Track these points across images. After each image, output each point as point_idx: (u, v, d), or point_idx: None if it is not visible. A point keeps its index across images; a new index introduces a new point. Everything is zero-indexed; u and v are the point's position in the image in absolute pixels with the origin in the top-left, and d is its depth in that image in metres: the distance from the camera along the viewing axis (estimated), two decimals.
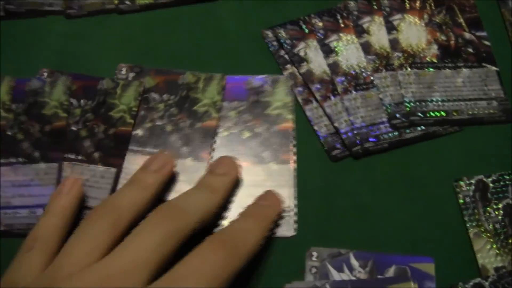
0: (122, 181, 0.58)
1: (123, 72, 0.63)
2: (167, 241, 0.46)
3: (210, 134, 0.60)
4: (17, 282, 0.47)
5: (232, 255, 0.47)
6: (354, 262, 0.55)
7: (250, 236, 0.49)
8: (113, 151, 0.59)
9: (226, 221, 0.56)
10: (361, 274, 0.55)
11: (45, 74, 0.64)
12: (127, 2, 0.66)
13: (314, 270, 0.55)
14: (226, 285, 0.46)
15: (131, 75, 0.63)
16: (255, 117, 0.61)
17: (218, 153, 0.59)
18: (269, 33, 0.64)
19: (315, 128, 0.59)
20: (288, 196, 0.57)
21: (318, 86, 0.61)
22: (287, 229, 0.56)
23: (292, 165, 0.59)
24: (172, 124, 0.60)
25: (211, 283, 0.45)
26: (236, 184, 0.56)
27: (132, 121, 0.60)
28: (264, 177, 0.58)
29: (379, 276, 0.55)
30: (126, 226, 0.49)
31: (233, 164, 0.55)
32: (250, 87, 0.62)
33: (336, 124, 0.59)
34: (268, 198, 0.55)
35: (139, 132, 0.60)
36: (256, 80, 0.63)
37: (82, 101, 0.62)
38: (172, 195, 0.57)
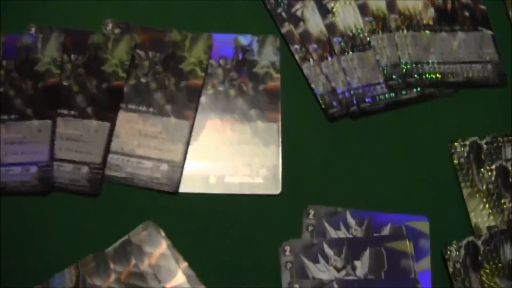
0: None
1: (109, 28, 0.62)
2: None
3: (195, 93, 0.59)
4: None
5: None
6: (351, 220, 0.56)
7: None
8: (106, 105, 0.58)
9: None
10: (358, 232, 0.55)
11: (33, 30, 0.62)
12: None
13: (311, 228, 0.55)
14: None
15: (117, 31, 0.62)
16: (242, 75, 0.60)
17: (204, 111, 0.59)
18: None
19: (313, 86, 0.59)
20: (274, 154, 0.57)
21: (315, 46, 0.61)
22: (274, 187, 0.56)
23: (279, 124, 0.58)
24: (157, 82, 0.60)
25: None
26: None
27: (124, 75, 0.60)
28: (251, 134, 0.58)
29: (375, 234, 0.55)
30: None
31: None
32: (237, 45, 0.62)
33: (333, 84, 0.59)
34: None
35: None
36: (244, 38, 0.62)
37: (72, 56, 0.61)
38: (155, 153, 0.57)
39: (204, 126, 0.58)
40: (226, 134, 0.58)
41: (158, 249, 0.54)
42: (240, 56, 0.61)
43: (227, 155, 0.57)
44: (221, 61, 0.61)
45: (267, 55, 0.61)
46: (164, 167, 0.56)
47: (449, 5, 0.64)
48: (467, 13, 0.64)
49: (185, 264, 0.53)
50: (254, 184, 0.56)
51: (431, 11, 0.63)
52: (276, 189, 0.56)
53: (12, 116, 0.58)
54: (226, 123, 0.58)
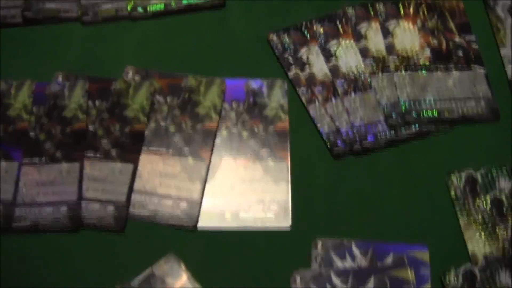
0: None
1: (129, 75, 0.68)
2: None
3: (211, 135, 0.64)
4: None
5: None
6: (356, 251, 0.60)
7: None
8: (129, 148, 0.63)
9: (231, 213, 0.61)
10: (362, 262, 0.60)
11: (60, 78, 0.68)
12: (140, 9, 0.71)
13: (319, 258, 0.60)
14: None
15: (137, 77, 0.67)
16: (253, 117, 0.65)
17: (219, 151, 0.64)
18: (274, 38, 0.68)
19: (318, 126, 0.64)
20: (284, 191, 0.62)
21: (320, 88, 0.66)
22: (284, 222, 0.61)
23: (288, 162, 0.63)
24: (175, 125, 0.65)
25: None
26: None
27: (145, 119, 0.65)
28: (262, 172, 0.63)
29: (379, 263, 0.60)
30: None
31: None
32: (248, 89, 0.67)
33: (337, 124, 0.64)
34: None
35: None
36: (254, 82, 0.67)
37: (97, 101, 0.66)
38: (175, 191, 0.61)
39: (220, 165, 0.63)
40: (239, 173, 0.62)
41: (179, 280, 0.58)
42: (251, 99, 0.66)
43: (241, 192, 0.62)
44: (234, 104, 0.66)
45: (276, 98, 0.66)
46: (183, 205, 0.61)
47: (444, 46, 0.68)
48: (461, 53, 0.68)
49: None
50: (266, 219, 0.61)
51: (427, 52, 0.68)
52: (286, 223, 0.61)
53: (43, 159, 0.63)
54: (240, 162, 0.63)
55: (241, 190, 0.62)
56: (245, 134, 0.64)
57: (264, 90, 0.66)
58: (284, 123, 0.65)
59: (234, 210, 0.61)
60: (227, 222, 0.61)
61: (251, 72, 0.68)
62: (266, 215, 0.61)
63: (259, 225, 0.61)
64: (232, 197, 0.62)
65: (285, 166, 0.63)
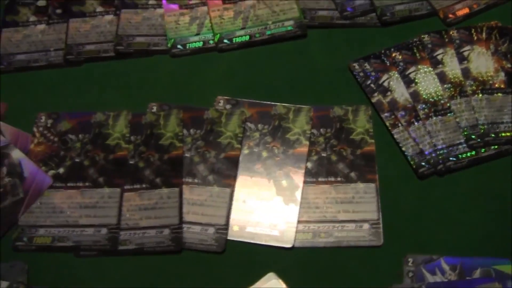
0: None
1: (221, 104, 0.72)
2: None
3: (302, 159, 0.68)
4: None
5: None
6: (445, 266, 0.63)
7: None
8: (226, 173, 0.67)
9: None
10: (452, 276, 0.63)
11: (154, 108, 0.72)
12: (226, 41, 0.75)
13: (410, 274, 0.63)
14: None
15: (228, 106, 0.72)
16: (341, 142, 0.69)
17: (310, 174, 0.68)
18: (356, 66, 0.72)
19: (403, 148, 0.68)
20: (374, 211, 0.65)
21: (403, 113, 0.70)
22: (376, 240, 0.64)
23: (376, 184, 0.67)
24: (267, 151, 0.69)
25: None
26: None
27: (239, 146, 0.69)
28: (352, 194, 0.66)
29: (467, 278, 0.63)
30: None
31: None
32: (334, 116, 0.71)
33: (421, 146, 0.68)
34: None
35: None
36: (339, 109, 0.71)
37: (191, 130, 0.70)
38: (271, 213, 0.65)
39: (312, 189, 0.67)
40: (331, 194, 0.66)
41: None
42: (338, 125, 0.70)
43: (333, 212, 0.65)
44: (322, 130, 0.69)
45: (361, 123, 0.70)
46: (281, 225, 0.65)
47: None
48: None
49: None
50: (359, 237, 0.64)
51: (502, 75, 0.72)
52: (378, 241, 0.64)
53: (144, 186, 0.67)
54: (331, 185, 0.66)
55: (333, 211, 0.65)
56: (334, 158, 0.68)
57: (350, 116, 0.70)
58: (370, 147, 0.68)
59: (327, 230, 0.64)
60: (322, 240, 0.64)
61: (335, 100, 0.72)
62: (358, 234, 0.64)
63: (352, 244, 0.64)
64: (326, 218, 0.65)
65: (374, 188, 0.66)
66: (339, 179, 0.67)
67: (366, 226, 0.65)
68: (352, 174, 0.67)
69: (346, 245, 0.64)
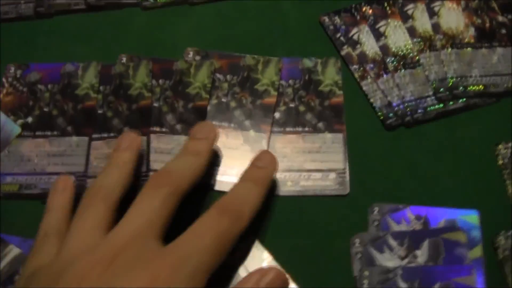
0: None
1: (190, 56, 0.72)
2: (166, 203, 0.51)
3: (270, 109, 0.68)
4: (36, 267, 0.49)
5: (236, 218, 0.51)
6: (411, 215, 0.64)
7: (250, 199, 0.54)
8: (193, 122, 0.67)
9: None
10: (417, 225, 0.63)
11: (124, 59, 0.72)
12: None
13: (376, 223, 0.63)
14: (234, 242, 0.52)
15: (197, 58, 0.71)
16: (309, 93, 0.69)
17: (278, 125, 0.68)
18: (326, 19, 0.73)
19: (371, 100, 0.68)
20: (341, 160, 0.66)
21: (372, 65, 0.70)
22: (342, 189, 0.65)
23: (344, 134, 0.67)
24: (236, 101, 0.69)
25: (222, 241, 0.51)
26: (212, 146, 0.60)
27: (207, 96, 0.69)
28: (319, 144, 0.67)
29: (433, 227, 0.63)
30: (117, 203, 0.54)
31: (210, 129, 0.61)
32: (303, 68, 0.71)
33: (389, 98, 0.68)
34: (263, 158, 0.59)
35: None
36: (309, 61, 0.71)
37: (160, 80, 0.70)
38: (239, 163, 0.65)
39: (279, 139, 0.67)
40: (299, 144, 0.66)
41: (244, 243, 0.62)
42: (307, 77, 0.70)
43: (301, 162, 0.66)
44: (291, 82, 0.70)
45: (330, 75, 0.70)
46: None
47: (487, 24, 0.72)
48: (504, 31, 0.72)
49: (270, 257, 0.61)
50: (325, 186, 0.64)
51: (472, 30, 0.72)
52: (344, 190, 0.64)
53: (112, 134, 0.67)
54: (299, 135, 0.67)
55: (300, 160, 0.65)
56: (302, 108, 0.68)
57: (319, 68, 0.70)
58: (338, 98, 0.68)
59: (295, 179, 0.65)
60: (289, 189, 0.64)
61: (305, 52, 0.72)
62: (324, 183, 0.64)
63: (318, 192, 0.64)
64: (293, 167, 0.65)
65: (341, 138, 0.66)
66: (306, 129, 0.67)
67: (332, 175, 0.65)
68: (320, 124, 0.67)
69: (312, 194, 0.64)
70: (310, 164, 0.65)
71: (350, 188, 0.64)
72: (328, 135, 0.67)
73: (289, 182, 0.65)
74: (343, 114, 0.68)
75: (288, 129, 0.67)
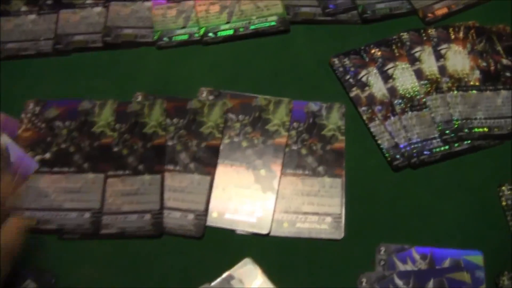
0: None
1: (204, 95, 0.74)
2: None
3: (281, 149, 0.70)
4: None
5: None
6: (416, 255, 0.65)
7: None
8: (206, 161, 0.69)
9: None
10: (422, 265, 0.65)
11: (140, 97, 0.74)
12: (211, 35, 0.77)
13: (382, 262, 0.65)
14: None
15: (211, 97, 0.74)
16: (312, 136, 0.71)
17: (284, 166, 0.69)
18: (336, 61, 0.75)
19: (379, 142, 0.70)
20: (338, 205, 0.67)
21: (380, 107, 0.72)
22: (338, 233, 0.66)
23: (342, 179, 0.68)
24: (247, 141, 0.71)
25: None
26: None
27: (220, 135, 0.71)
28: (318, 188, 0.68)
29: (437, 267, 0.65)
30: None
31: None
32: (308, 111, 0.73)
33: (396, 140, 0.70)
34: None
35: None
36: (314, 105, 0.73)
37: (175, 119, 0.72)
38: (250, 201, 0.67)
39: (282, 178, 0.69)
40: (298, 186, 0.68)
41: (256, 283, 0.64)
42: (311, 120, 0.72)
43: (299, 204, 0.67)
44: (295, 124, 0.72)
45: (334, 120, 0.72)
46: (259, 212, 0.67)
47: (492, 67, 0.74)
48: (508, 74, 0.74)
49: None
50: (320, 229, 0.66)
51: (477, 73, 0.74)
52: (338, 234, 0.66)
53: (127, 172, 0.69)
54: (298, 177, 0.68)
55: (298, 202, 0.67)
56: (304, 151, 0.70)
57: (323, 112, 0.72)
58: (340, 143, 0.70)
59: (292, 220, 0.66)
60: (283, 230, 0.66)
61: (314, 93, 0.74)
62: (320, 227, 0.66)
63: (313, 235, 0.66)
64: (290, 208, 0.67)
65: (339, 183, 0.68)
66: (306, 172, 0.69)
67: (328, 219, 0.67)
68: (320, 168, 0.69)
69: (307, 236, 0.66)
70: (307, 207, 0.67)
71: (352, 229, 0.66)
72: (327, 179, 0.68)
73: (285, 223, 0.66)
74: (344, 160, 0.70)
75: (288, 171, 0.69)
